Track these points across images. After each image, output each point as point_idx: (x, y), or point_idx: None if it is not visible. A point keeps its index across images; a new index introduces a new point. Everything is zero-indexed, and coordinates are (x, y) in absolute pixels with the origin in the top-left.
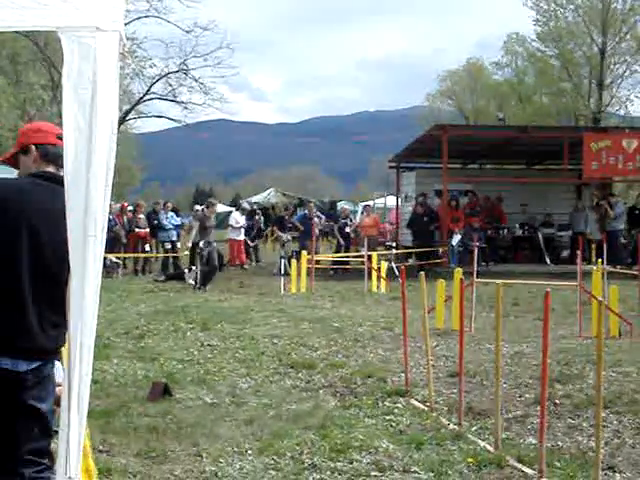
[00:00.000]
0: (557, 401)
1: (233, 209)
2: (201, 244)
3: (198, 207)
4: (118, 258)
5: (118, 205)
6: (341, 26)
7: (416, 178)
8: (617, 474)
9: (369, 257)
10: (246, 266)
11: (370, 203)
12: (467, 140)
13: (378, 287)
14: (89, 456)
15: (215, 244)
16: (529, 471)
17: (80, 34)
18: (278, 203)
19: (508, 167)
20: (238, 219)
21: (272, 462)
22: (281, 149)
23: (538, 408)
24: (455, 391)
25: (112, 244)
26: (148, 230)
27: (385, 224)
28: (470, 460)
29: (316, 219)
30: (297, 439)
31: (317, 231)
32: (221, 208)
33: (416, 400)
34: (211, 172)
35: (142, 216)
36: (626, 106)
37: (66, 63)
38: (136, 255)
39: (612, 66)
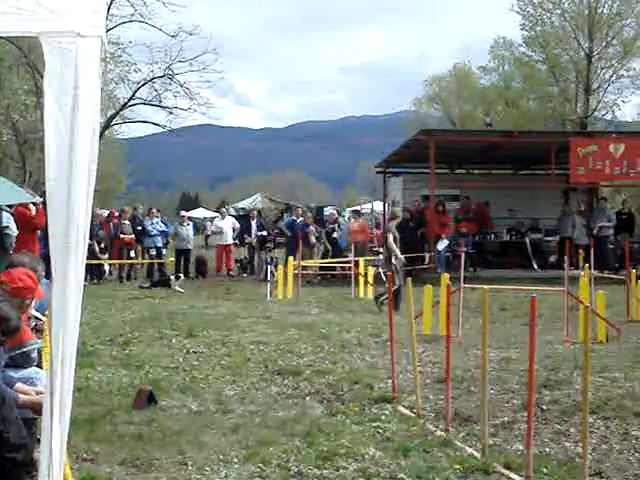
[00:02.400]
0: (544, 407)
1: (218, 215)
2: (396, 259)
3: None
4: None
5: (103, 211)
6: (325, 31)
7: (403, 183)
8: None
9: (356, 263)
10: (232, 272)
11: (357, 208)
12: (454, 145)
13: (365, 293)
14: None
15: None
16: (516, 477)
17: (61, 40)
18: (265, 208)
19: (495, 172)
20: (217, 224)
21: (258, 470)
22: (267, 154)
23: (525, 414)
24: (442, 397)
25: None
26: (133, 236)
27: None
28: (457, 467)
29: (312, 227)
30: (283, 446)
31: (314, 239)
32: (206, 214)
33: (403, 406)
34: (197, 177)
35: (127, 222)
36: (613, 111)
37: (47, 69)
38: (121, 261)
39: (599, 71)
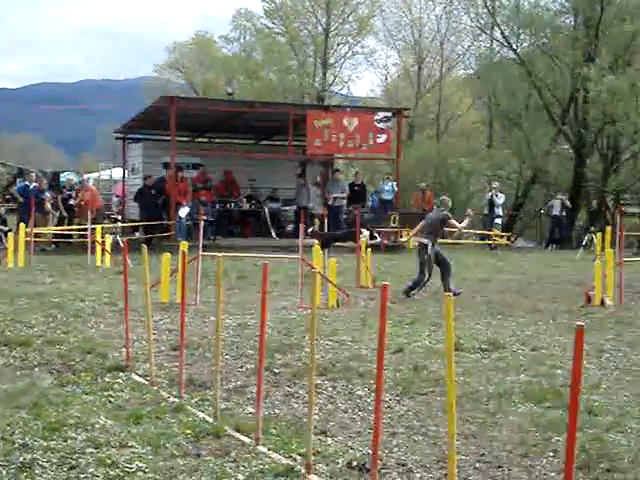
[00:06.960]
0: (276, 370)
1: None
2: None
3: None
4: None
5: None
6: None
7: (143, 150)
8: (329, 438)
9: (93, 230)
10: None
11: (96, 175)
12: (196, 113)
13: (102, 261)
14: None
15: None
16: (246, 439)
17: None
18: None
19: (237, 142)
20: None
21: None
22: None
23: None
24: (177, 364)
25: None
26: None
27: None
28: (188, 432)
29: (47, 194)
30: (8, 419)
31: (49, 206)
32: None
33: (137, 375)
34: None
35: None
36: (348, 86)
37: None
38: None
39: (335, 46)
